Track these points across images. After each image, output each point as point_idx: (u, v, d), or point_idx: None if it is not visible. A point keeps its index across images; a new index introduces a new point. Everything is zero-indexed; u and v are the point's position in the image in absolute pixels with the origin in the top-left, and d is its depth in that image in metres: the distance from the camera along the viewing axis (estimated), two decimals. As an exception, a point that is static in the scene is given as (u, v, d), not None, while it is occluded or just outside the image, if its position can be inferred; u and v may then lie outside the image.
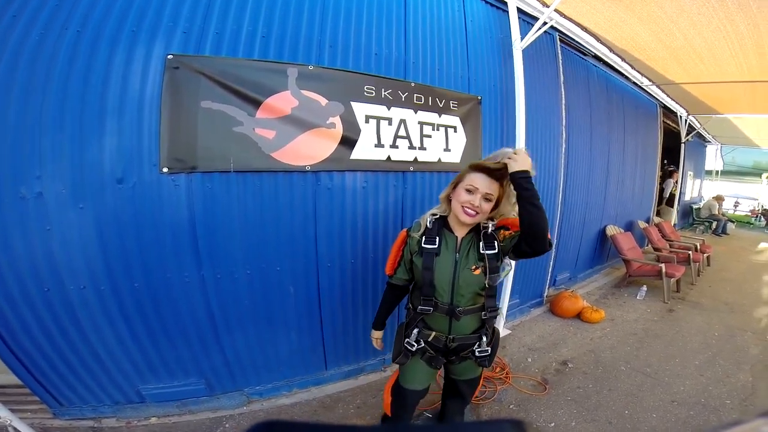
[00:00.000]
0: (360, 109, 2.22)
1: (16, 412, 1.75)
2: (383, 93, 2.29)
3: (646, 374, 2.86)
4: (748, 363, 3.08)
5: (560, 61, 3.80)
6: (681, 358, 3.13)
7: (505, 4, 3.03)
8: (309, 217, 2.23)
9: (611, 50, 4.21)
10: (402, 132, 2.40)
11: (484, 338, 1.63)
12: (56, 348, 1.92)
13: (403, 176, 2.50)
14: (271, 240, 2.15)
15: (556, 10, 2.93)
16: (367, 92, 2.25)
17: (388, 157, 2.37)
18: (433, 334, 1.62)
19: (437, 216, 1.60)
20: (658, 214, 8.06)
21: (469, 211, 1.46)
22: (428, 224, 1.58)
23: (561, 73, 3.80)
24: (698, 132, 8.45)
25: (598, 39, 3.91)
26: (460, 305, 1.54)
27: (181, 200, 1.91)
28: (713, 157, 12.74)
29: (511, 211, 1.55)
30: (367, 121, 2.25)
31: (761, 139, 9.07)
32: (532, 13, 3.20)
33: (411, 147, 2.45)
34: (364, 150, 2.27)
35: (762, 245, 9.15)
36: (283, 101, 2.01)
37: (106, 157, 1.76)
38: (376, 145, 2.30)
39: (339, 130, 2.18)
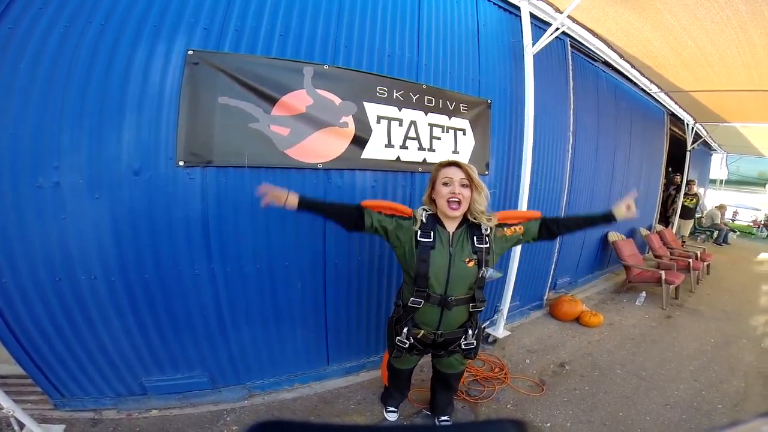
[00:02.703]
0: (372, 110, 2.25)
1: (18, 402, 1.77)
2: (395, 94, 2.32)
3: (641, 378, 2.90)
4: (741, 369, 3.12)
5: (570, 67, 3.82)
6: (676, 363, 3.17)
7: (518, 9, 3.04)
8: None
9: (622, 57, 4.21)
10: (412, 133, 2.43)
11: (470, 331, 1.78)
12: (63, 338, 1.94)
13: (411, 177, 2.53)
14: (280, 236, 2.18)
15: (569, 17, 2.95)
16: (380, 93, 2.27)
17: (398, 158, 2.40)
18: (422, 332, 1.74)
19: (429, 212, 1.70)
20: (667, 225, 8.06)
21: (453, 202, 1.60)
22: (423, 219, 1.67)
23: (570, 79, 3.82)
24: (704, 140, 8.43)
25: (609, 45, 3.91)
26: (451, 295, 1.66)
27: (196, 194, 1.94)
28: (718, 166, 12.71)
29: (484, 201, 1.68)
30: (378, 122, 2.28)
31: (766, 148, 9.05)
32: (544, 19, 3.21)
33: (420, 148, 2.48)
34: (374, 150, 2.30)
35: (762, 256, 9.16)
36: (299, 99, 2.04)
37: (124, 148, 1.79)
38: (386, 146, 2.33)
39: (351, 130, 2.21)
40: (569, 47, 3.82)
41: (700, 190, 10.20)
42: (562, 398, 2.60)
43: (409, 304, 1.70)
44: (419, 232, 1.64)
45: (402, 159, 2.41)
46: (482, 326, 1.87)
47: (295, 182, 2.15)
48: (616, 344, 3.50)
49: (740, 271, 7.26)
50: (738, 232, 11.96)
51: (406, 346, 1.77)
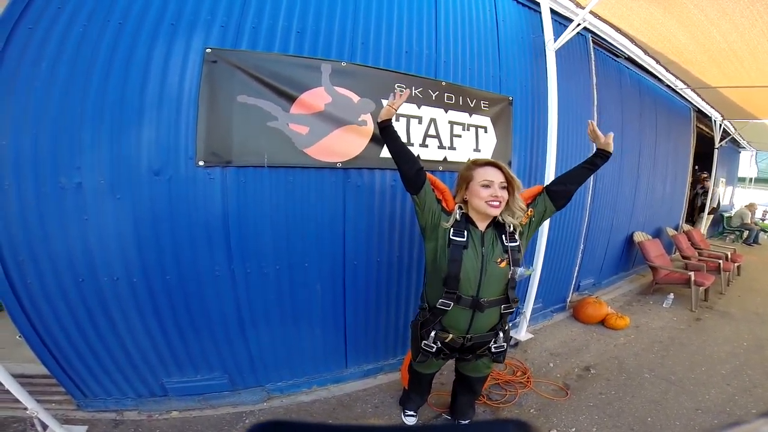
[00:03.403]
0: (391, 107, 2.21)
1: (41, 402, 1.79)
2: (414, 91, 2.27)
3: (671, 382, 2.78)
4: (778, 373, 2.96)
5: (593, 63, 3.71)
6: (707, 367, 3.03)
7: (538, 4, 2.97)
8: (338, 214, 2.23)
9: (646, 52, 4.09)
10: (432, 131, 2.38)
11: (501, 334, 1.71)
12: (86, 339, 1.96)
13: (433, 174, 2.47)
14: (300, 236, 2.16)
15: (591, 12, 2.85)
16: (398, 90, 2.22)
17: (418, 156, 2.34)
18: (450, 336, 1.67)
19: (463, 211, 1.64)
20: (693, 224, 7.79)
21: (494, 203, 1.55)
22: (458, 217, 1.61)
23: (593, 75, 3.70)
24: (732, 137, 8.12)
25: (632, 41, 3.80)
26: (484, 297, 1.60)
27: (216, 194, 1.93)
28: (747, 164, 12.23)
29: (517, 208, 1.62)
30: (397, 120, 2.23)
31: (799, 145, 8.68)
32: (565, 15, 3.13)
33: (441, 146, 2.42)
34: (393, 148, 2.25)
35: (795, 256, 8.78)
36: (317, 97, 2.02)
37: (144, 149, 1.79)
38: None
39: (370, 128, 2.17)
40: (591, 43, 3.71)
41: (720, 187, 9.81)
42: (588, 403, 2.51)
43: (438, 306, 1.63)
44: (452, 231, 1.59)
45: (422, 157, 2.35)
46: (503, 350, 1.80)
47: (314, 182, 2.12)
48: (643, 347, 3.37)
49: (773, 272, 6.95)
50: (769, 232, 11.49)
51: (433, 350, 1.70)
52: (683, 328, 3.89)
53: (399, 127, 2.25)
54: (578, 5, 3.05)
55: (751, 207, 10.63)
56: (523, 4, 3.05)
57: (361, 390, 2.55)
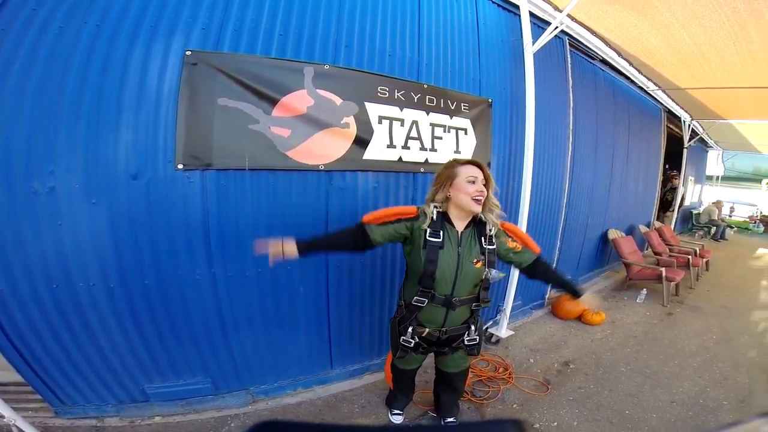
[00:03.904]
0: (373, 110, 2.23)
1: (17, 410, 1.73)
2: (396, 94, 2.29)
3: (646, 375, 2.90)
4: (745, 366, 3.12)
5: (569, 65, 3.81)
6: (680, 360, 3.17)
7: (517, 7, 3.03)
8: (321, 217, 2.23)
9: (619, 54, 4.22)
10: (414, 133, 2.41)
11: (473, 327, 1.78)
12: (62, 345, 1.90)
13: (413, 177, 2.50)
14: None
15: (568, 15, 2.94)
16: (381, 93, 2.25)
17: (400, 158, 2.37)
18: (427, 330, 1.73)
19: (440, 209, 1.66)
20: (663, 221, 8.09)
21: (479, 198, 1.59)
22: (434, 216, 1.63)
23: (569, 77, 3.81)
24: (701, 137, 8.47)
25: (607, 43, 3.92)
26: (457, 296, 1.66)
27: (196, 197, 1.90)
28: (714, 163, 12.77)
29: (492, 205, 1.69)
30: (380, 122, 2.25)
31: (763, 144, 9.10)
32: (543, 18, 3.21)
33: (422, 148, 2.45)
34: (376, 150, 2.27)
35: (760, 251, 9.25)
36: (300, 100, 2.01)
37: (121, 152, 1.75)
38: (388, 146, 2.31)
39: (353, 130, 2.18)
40: (568, 45, 3.81)
41: (689, 185, 10.23)
42: (568, 397, 2.59)
43: (412, 303, 1.68)
44: (428, 231, 1.61)
45: (404, 159, 2.38)
46: (485, 326, 1.86)
47: (296, 184, 2.12)
48: (619, 342, 3.49)
49: (739, 266, 7.31)
50: (735, 228, 12.07)
51: (412, 345, 1.75)
52: (656, 322, 4.05)
53: (382, 129, 2.27)
54: (556, 8, 3.13)
55: (718, 204, 11.11)
56: (503, 8, 3.11)
57: (347, 390, 2.56)
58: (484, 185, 1.63)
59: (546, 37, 2.96)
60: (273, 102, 1.96)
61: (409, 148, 2.39)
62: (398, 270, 2.56)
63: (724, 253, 8.43)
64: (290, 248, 1.64)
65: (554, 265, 4.13)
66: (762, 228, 13.12)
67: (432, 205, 1.67)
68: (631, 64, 4.49)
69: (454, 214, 1.66)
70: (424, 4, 2.54)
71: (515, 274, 3.19)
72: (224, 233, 2.00)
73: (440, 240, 1.61)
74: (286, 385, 2.46)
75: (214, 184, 1.93)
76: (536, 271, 1.85)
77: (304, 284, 2.29)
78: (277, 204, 2.09)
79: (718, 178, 13.61)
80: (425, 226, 1.62)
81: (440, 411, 2.25)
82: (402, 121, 2.34)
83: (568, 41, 3.80)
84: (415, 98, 2.39)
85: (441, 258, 1.61)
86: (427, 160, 2.49)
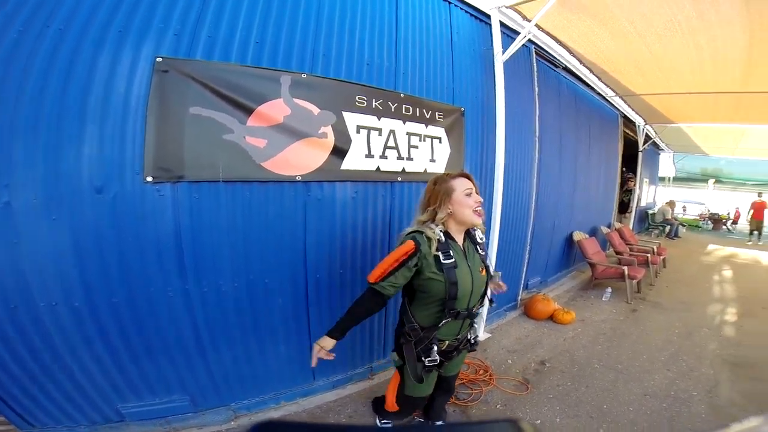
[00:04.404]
0: (351, 119, 2.22)
1: None
2: (374, 103, 2.30)
3: (618, 371, 3.03)
4: (707, 357, 3.33)
5: (535, 73, 3.96)
6: (648, 355, 3.33)
7: (488, 17, 3.12)
8: (298, 229, 2.19)
9: (581, 62, 4.41)
10: (391, 143, 2.42)
11: (476, 325, 1.84)
12: (25, 368, 1.76)
13: (391, 187, 2.51)
14: (259, 252, 2.09)
15: (536, 25, 3.06)
16: (359, 102, 2.24)
17: (378, 168, 2.37)
18: (447, 342, 1.71)
19: (442, 229, 1.61)
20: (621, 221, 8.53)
21: (479, 210, 1.61)
22: (440, 238, 1.57)
23: (536, 85, 3.95)
24: (654, 140, 9.01)
25: (570, 51, 4.09)
26: (473, 306, 1.66)
27: (166, 211, 1.82)
28: (666, 165, 13.62)
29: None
30: (358, 132, 2.25)
31: (708, 146, 9.79)
32: (513, 27, 3.31)
33: (399, 158, 2.46)
34: (354, 160, 2.26)
35: (710, 247, 9.93)
36: (276, 109, 1.97)
37: (85, 164, 1.64)
38: (366, 156, 2.30)
39: (330, 140, 2.16)
40: (534, 54, 3.96)
41: (644, 187, 10.86)
42: (548, 395, 2.67)
43: (438, 326, 1.63)
44: (441, 255, 1.55)
45: (382, 169, 2.38)
46: (477, 339, 1.91)
47: (273, 196, 2.07)
48: (590, 339, 3.63)
49: (692, 262, 7.80)
50: (687, 226, 12.90)
51: (438, 362, 1.70)
52: (622, 319, 4.24)
53: (360, 139, 2.27)
54: (525, 18, 3.24)
55: (671, 204, 11.83)
56: (476, 17, 3.20)
57: (332, 401, 2.53)
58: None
59: (515, 45, 3.06)
60: (248, 111, 1.90)
61: (386, 157, 2.40)
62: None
63: (678, 250, 8.98)
64: (327, 343, 1.66)
65: (524, 267, 4.25)
66: (711, 225, 14.19)
67: (436, 227, 1.60)
68: (591, 71, 4.70)
69: (453, 230, 1.64)
70: (402, 14, 2.56)
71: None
72: (198, 248, 1.92)
73: (453, 260, 1.57)
74: (269, 399, 2.38)
75: (186, 196, 1.85)
76: None
77: (283, 296, 2.24)
78: (254, 216, 2.04)
79: (670, 179, 14.54)
80: (433, 251, 1.55)
81: (431, 415, 2.22)
82: (380, 131, 2.34)
83: (534, 50, 3.95)
84: (393, 107, 2.40)
85: (459, 277, 1.57)
86: (404, 169, 2.51)
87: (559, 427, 2.35)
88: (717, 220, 14.21)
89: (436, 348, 1.67)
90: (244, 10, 1.93)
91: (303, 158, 2.09)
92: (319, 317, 2.40)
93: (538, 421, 2.39)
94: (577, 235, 5.53)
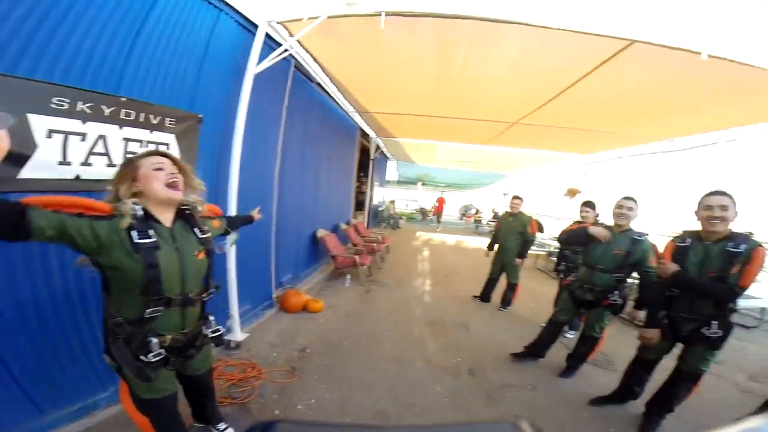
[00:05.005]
0: (41, 123, 1.78)
1: None
2: (80, 106, 1.92)
3: (362, 344, 3.63)
4: (416, 323, 4.40)
5: (289, 86, 4.20)
6: (379, 328, 4.11)
7: (257, 27, 3.14)
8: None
9: (331, 80, 4.89)
10: (100, 149, 2.07)
11: (211, 318, 1.74)
12: None
13: (98, 197, 2.13)
14: None
15: (297, 41, 3.23)
16: (57, 105, 1.83)
17: (78, 176, 2.00)
18: (170, 337, 1.53)
19: (142, 206, 1.43)
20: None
21: (174, 180, 1.47)
22: (138, 213, 1.38)
23: (287, 98, 4.20)
24: (382, 150, 11.09)
25: (323, 70, 4.47)
26: (191, 292, 1.56)
27: None
28: (392, 170, 17.18)
29: (197, 185, 1.64)
30: (49, 136, 1.82)
31: (418, 157, 12.74)
32: (278, 41, 3.39)
33: (110, 164, 2.12)
34: (41, 168, 1.83)
35: (418, 233, 13.37)
36: None
37: None
38: (60, 163, 1.91)
39: (5, 145, 1.65)
40: (293, 68, 4.19)
41: (375, 188, 13.42)
42: (314, 376, 2.95)
43: (145, 317, 1.42)
44: (136, 234, 1.36)
45: (83, 177, 2.01)
46: (221, 333, 1.80)
47: None
48: (338, 322, 4.18)
49: (407, 247, 10.24)
50: (405, 218, 16.94)
51: (162, 357, 1.47)
52: (360, 300, 5.09)
53: (52, 144, 1.85)
54: (290, 33, 3.34)
55: (393, 202, 15.52)
56: (245, 27, 3.17)
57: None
58: (179, 172, 1.52)
59: (272, 59, 3.15)
60: None
61: (90, 164, 2.04)
62: (87, 286, 2.15)
63: (398, 237, 11.60)
64: None
65: (273, 266, 4.49)
66: (420, 217, 19.49)
67: (131, 201, 1.39)
68: (338, 89, 5.28)
69: (155, 210, 1.47)
70: (154, 17, 2.32)
71: (231, 278, 3.29)
72: None
73: (153, 240, 1.39)
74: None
75: None
76: (232, 225, 2.19)
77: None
78: None
79: (394, 182, 18.58)
80: (124, 225, 1.34)
81: (205, 419, 2.08)
82: (83, 136, 1.97)
83: (294, 64, 4.16)
84: (107, 111, 2.06)
85: (161, 259, 1.41)
86: (116, 176, 2.20)
87: (330, 401, 2.66)
88: (424, 213, 19.53)
89: (155, 341, 1.46)
90: None
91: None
92: (16, 350, 1.85)
93: (312, 401, 2.63)
94: (321, 233, 6.10)
